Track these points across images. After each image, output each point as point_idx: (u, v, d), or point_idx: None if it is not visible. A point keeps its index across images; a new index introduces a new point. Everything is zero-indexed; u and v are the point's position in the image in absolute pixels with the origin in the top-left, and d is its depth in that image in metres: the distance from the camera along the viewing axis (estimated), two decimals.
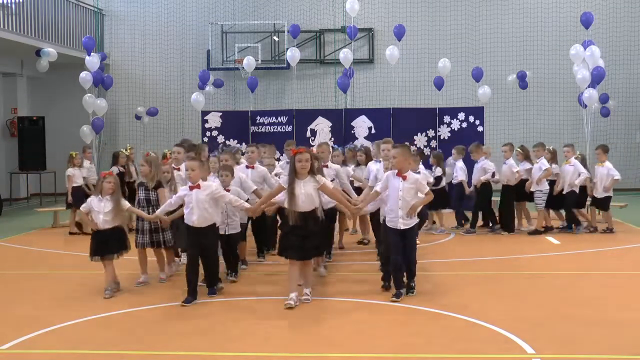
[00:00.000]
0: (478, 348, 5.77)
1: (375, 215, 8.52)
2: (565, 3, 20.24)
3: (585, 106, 16.06)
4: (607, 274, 9.02)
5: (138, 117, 20.42)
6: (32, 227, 14.12)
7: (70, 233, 12.90)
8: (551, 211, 12.67)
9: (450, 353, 5.69)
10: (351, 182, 9.76)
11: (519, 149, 12.63)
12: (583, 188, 12.40)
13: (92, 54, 17.11)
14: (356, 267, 9.53)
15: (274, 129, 15.88)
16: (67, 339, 6.22)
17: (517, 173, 12.28)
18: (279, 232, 8.96)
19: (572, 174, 12.18)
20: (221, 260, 8.16)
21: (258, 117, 16.07)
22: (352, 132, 15.71)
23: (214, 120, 16.02)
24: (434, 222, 12.83)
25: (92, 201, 7.72)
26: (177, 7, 21.22)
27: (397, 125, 15.55)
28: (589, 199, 12.71)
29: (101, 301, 7.43)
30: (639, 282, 8.54)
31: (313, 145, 15.27)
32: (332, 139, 15.52)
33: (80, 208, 7.95)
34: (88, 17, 20.76)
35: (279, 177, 9.58)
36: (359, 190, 9.74)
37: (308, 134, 15.73)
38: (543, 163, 12.09)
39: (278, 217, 9.56)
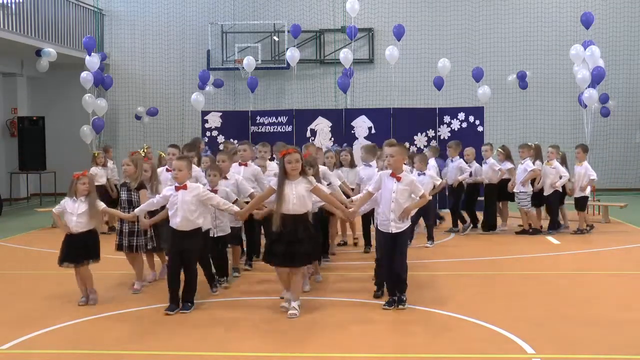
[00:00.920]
0: (478, 348, 5.77)
1: (366, 216, 8.30)
2: (565, 3, 20.23)
3: (586, 106, 16.08)
4: (607, 274, 9.02)
5: (138, 117, 20.43)
6: (32, 227, 14.12)
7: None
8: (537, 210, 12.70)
9: (450, 353, 5.69)
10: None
11: (499, 149, 12.66)
12: (563, 187, 12.41)
13: (92, 54, 17.14)
14: (356, 267, 9.52)
15: (274, 129, 15.88)
16: (67, 339, 6.22)
17: (499, 171, 12.30)
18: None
19: (554, 175, 12.15)
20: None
21: (258, 117, 16.07)
22: (352, 132, 15.72)
23: (214, 120, 16.03)
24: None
25: (66, 203, 7.31)
26: (177, 7, 21.22)
27: (397, 125, 15.56)
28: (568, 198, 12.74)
29: (101, 301, 7.40)
30: (639, 282, 8.54)
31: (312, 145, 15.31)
32: (332, 139, 15.52)
33: (53, 210, 7.50)
34: (88, 17, 20.76)
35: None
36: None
37: (308, 134, 15.73)
38: (528, 164, 12.09)
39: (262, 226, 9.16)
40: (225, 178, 8.35)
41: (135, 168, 7.98)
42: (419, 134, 15.61)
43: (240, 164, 9.13)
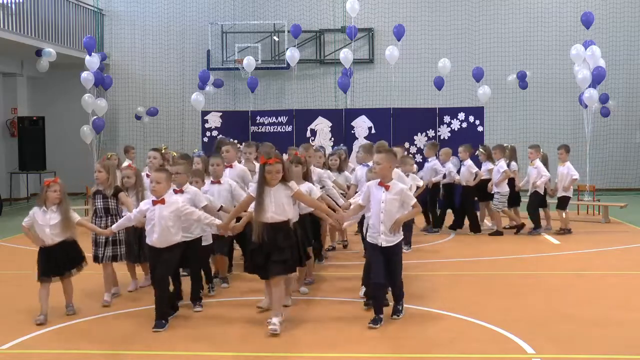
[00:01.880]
0: (478, 348, 5.77)
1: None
2: (565, 3, 20.23)
3: (586, 106, 16.08)
4: (607, 274, 9.02)
5: (138, 117, 20.43)
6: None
7: None
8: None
9: (450, 353, 5.69)
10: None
11: (481, 149, 12.68)
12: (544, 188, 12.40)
13: (92, 54, 17.15)
14: (355, 267, 9.52)
15: (274, 129, 15.88)
16: (67, 338, 6.22)
17: (476, 173, 12.33)
18: None
19: (535, 176, 12.14)
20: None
21: (258, 117, 16.08)
22: (352, 132, 15.72)
23: (214, 121, 16.03)
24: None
25: (36, 214, 6.70)
26: (177, 7, 21.22)
27: (397, 125, 15.56)
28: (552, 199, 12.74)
29: (101, 301, 7.39)
30: (639, 282, 8.54)
31: (313, 146, 15.31)
32: (332, 139, 15.52)
33: (22, 222, 6.82)
34: (88, 17, 20.76)
35: None
36: None
37: (308, 134, 15.73)
38: (501, 165, 12.10)
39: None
40: (219, 182, 7.94)
41: (108, 174, 7.45)
42: (419, 134, 15.61)
43: (225, 166, 8.56)
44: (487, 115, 16.57)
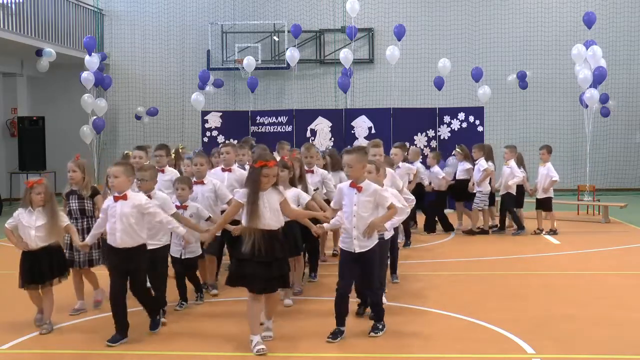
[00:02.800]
0: (478, 348, 5.77)
1: None
2: (565, 3, 20.23)
3: (587, 106, 16.08)
4: (607, 274, 9.02)
5: (138, 117, 20.43)
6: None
7: None
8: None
9: (450, 353, 5.69)
10: None
11: (458, 149, 12.70)
12: (521, 188, 12.35)
13: (92, 54, 17.15)
14: None
15: (274, 129, 15.89)
16: (67, 339, 6.21)
17: (443, 179, 12.34)
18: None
19: (508, 175, 12.14)
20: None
21: (258, 117, 16.08)
22: (352, 132, 15.72)
23: (214, 121, 16.02)
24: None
25: (21, 215, 6.33)
26: (177, 7, 21.22)
27: (397, 125, 15.56)
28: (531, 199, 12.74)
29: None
30: (639, 282, 8.54)
31: (314, 146, 15.31)
32: (332, 139, 15.52)
33: (5, 224, 6.47)
34: (88, 17, 20.76)
35: None
36: None
37: (308, 134, 15.73)
38: (481, 164, 12.10)
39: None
40: (202, 183, 7.57)
41: (83, 174, 7.02)
42: (419, 134, 15.61)
43: (223, 170, 8.17)
44: (487, 115, 16.57)
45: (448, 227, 12.48)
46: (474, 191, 12.16)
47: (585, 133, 16.65)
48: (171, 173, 8.18)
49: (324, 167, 9.30)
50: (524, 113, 20.25)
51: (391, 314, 6.86)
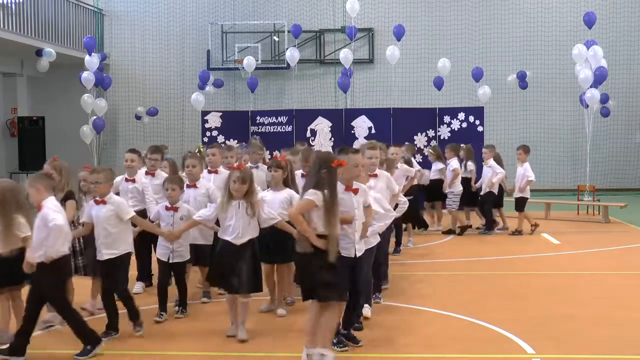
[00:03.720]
0: (478, 348, 5.77)
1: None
2: (565, 3, 20.22)
3: (587, 106, 16.07)
4: (607, 274, 9.02)
5: (138, 117, 20.43)
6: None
7: None
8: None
9: (450, 353, 5.69)
10: None
11: (430, 150, 12.77)
12: (501, 187, 12.37)
13: (92, 54, 17.16)
14: None
15: (274, 129, 15.88)
16: (67, 339, 6.20)
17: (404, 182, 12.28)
18: None
19: (490, 175, 12.13)
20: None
21: (258, 117, 16.07)
22: (352, 132, 15.71)
23: (214, 121, 16.01)
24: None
25: None
26: (177, 7, 21.22)
27: (397, 125, 15.55)
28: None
29: (101, 301, 7.36)
30: (639, 282, 8.54)
31: (313, 145, 15.31)
32: (332, 139, 15.52)
33: None
34: (88, 17, 20.77)
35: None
36: None
37: (308, 134, 15.73)
38: (451, 165, 12.12)
39: None
40: (195, 186, 7.24)
41: (60, 176, 6.58)
42: (419, 134, 15.60)
43: (209, 171, 7.93)
44: (487, 115, 16.55)
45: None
46: (445, 192, 12.18)
47: (586, 133, 16.64)
48: (162, 177, 7.68)
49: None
50: (524, 113, 20.25)
51: (391, 313, 6.88)
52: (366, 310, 6.45)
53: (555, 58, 19.81)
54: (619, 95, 19.50)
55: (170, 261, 6.72)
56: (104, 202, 6.09)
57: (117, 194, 7.18)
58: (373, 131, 15.60)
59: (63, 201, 6.40)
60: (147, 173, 7.82)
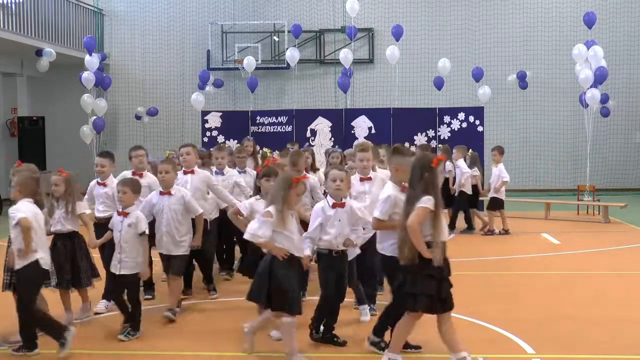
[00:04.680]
0: (478, 348, 5.76)
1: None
2: (565, 3, 20.23)
3: (587, 106, 16.07)
4: (607, 274, 9.02)
5: (138, 117, 20.43)
6: None
7: None
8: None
9: (450, 353, 5.68)
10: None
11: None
12: (476, 188, 12.36)
13: (92, 54, 17.16)
14: None
15: (274, 129, 15.88)
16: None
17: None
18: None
19: (459, 176, 12.16)
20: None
21: (258, 117, 16.07)
22: (352, 132, 15.71)
23: (214, 121, 16.02)
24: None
25: None
26: (177, 7, 21.23)
27: (397, 125, 15.55)
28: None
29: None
30: (638, 282, 8.54)
31: (313, 146, 15.32)
32: (332, 139, 15.52)
33: None
34: (88, 17, 20.76)
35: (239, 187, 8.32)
36: None
37: (308, 134, 15.73)
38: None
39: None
40: (169, 194, 6.72)
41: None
42: (419, 134, 15.60)
43: (184, 172, 7.53)
44: (487, 115, 16.55)
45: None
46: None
47: (586, 133, 16.64)
48: (150, 179, 7.36)
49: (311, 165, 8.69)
50: (524, 113, 20.25)
51: None
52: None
53: (556, 58, 19.81)
54: (619, 95, 19.50)
55: (117, 273, 6.23)
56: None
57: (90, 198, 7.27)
58: (373, 131, 15.61)
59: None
60: (134, 173, 7.41)
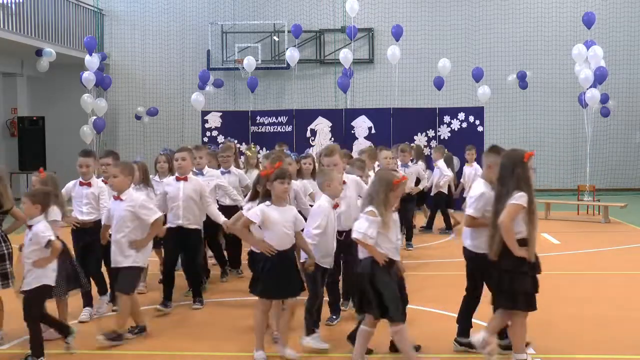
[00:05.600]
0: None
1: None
2: (565, 3, 20.24)
3: (586, 105, 16.08)
4: (607, 274, 9.02)
5: (138, 117, 20.43)
6: None
7: None
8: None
9: (450, 353, 5.69)
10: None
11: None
12: (449, 187, 12.34)
13: (92, 54, 17.16)
14: None
15: (274, 129, 15.89)
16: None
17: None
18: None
19: (438, 176, 12.11)
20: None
21: (258, 117, 16.09)
22: (352, 132, 15.73)
23: (214, 121, 16.04)
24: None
25: None
26: (177, 7, 21.23)
27: (397, 125, 15.57)
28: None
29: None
30: (638, 282, 8.54)
31: (313, 146, 15.34)
32: (332, 139, 15.53)
33: None
34: (88, 17, 20.77)
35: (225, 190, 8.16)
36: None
37: (308, 134, 15.75)
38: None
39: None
40: (120, 199, 6.17)
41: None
42: (419, 134, 15.62)
43: (177, 178, 7.08)
44: (487, 115, 16.57)
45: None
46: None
47: (586, 133, 16.64)
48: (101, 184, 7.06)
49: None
50: (524, 113, 20.25)
51: None
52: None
53: (555, 58, 19.82)
54: (619, 95, 19.51)
55: (22, 289, 5.71)
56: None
57: (69, 200, 6.96)
58: (373, 131, 15.63)
59: (4, 213, 6.36)
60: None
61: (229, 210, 7.66)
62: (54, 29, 18.81)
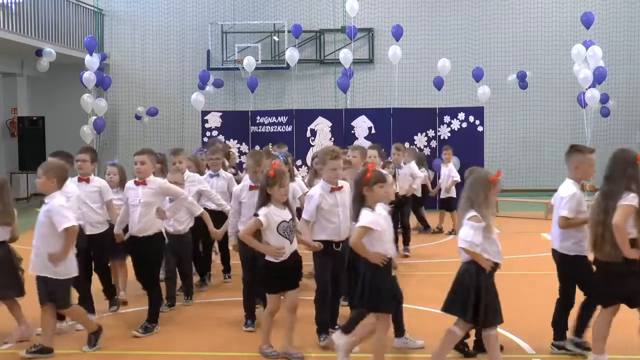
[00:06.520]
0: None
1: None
2: (565, 3, 20.22)
3: (586, 105, 16.09)
4: None
5: (138, 117, 20.43)
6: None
7: None
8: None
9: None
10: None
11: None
12: (424, 188, 12.22)
13: (92, 53, 17.17)
14: None
15: (274, 129, 15.90)
16: (67, 339, 6.21)
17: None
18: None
19: (407, 176, 12.01)
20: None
21: (258, 117, 16.09)
22: (352, 132, 15.73)
23: (214, 121, 16.04)
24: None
25: None
26: (177, 7, 21.23)
27: (397, 125, 15.57)
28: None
29: (101, 301, 7.38)
30: None
31: (313, 146, 15.34)
32: (332, 139, 15.54)
33: None
34: (88, 17, 20.77)
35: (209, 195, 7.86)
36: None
37: (308, 134, 15.75)
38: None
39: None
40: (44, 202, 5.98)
41: None
42: (419, 134, 15.62)
43: (136, 183, 6.56)
44: (487, 115, 16.57)
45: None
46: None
47: (585, 133, 16.64)
48: (99, 183, 6.96)
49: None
50: (524, 113, 20.24)
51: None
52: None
53: (555, 58, 19.80)
54: (619, 95, 19.50)
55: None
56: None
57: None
58: (373, 131, 15.63)
59: None
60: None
61: (214, 216, 7.50)
62: (54, 29, 18.80)
